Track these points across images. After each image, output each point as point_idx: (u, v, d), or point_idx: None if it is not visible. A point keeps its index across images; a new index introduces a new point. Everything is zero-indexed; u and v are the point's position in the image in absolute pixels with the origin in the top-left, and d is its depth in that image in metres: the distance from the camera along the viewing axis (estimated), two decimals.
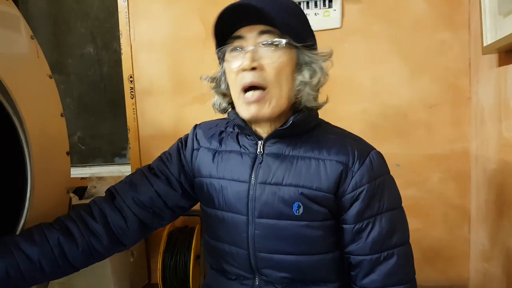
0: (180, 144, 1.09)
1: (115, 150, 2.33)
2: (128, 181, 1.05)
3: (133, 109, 1.96)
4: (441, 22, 1.70)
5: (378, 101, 1.77)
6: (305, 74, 0.89)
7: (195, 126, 1.11)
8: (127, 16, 1.93)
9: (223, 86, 0.96)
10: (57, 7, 2.29)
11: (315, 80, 0.89)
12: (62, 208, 1.16)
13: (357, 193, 0.89)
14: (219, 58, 0.95)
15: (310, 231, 0.90)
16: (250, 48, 0.85)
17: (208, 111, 1.85)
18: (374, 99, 1.77)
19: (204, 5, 1.89)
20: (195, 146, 1.05)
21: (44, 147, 1.05)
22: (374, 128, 1.77)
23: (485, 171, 1.54)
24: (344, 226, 0.92)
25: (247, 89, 0.86)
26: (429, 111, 1.73)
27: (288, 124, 0.89)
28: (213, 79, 0.98)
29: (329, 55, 0.91)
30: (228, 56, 0.90)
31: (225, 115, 1.03)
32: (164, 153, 1.10)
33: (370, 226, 0.89)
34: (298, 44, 0.87)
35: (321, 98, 0.94)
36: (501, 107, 1.39)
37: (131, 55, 1.95)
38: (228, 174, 0.96)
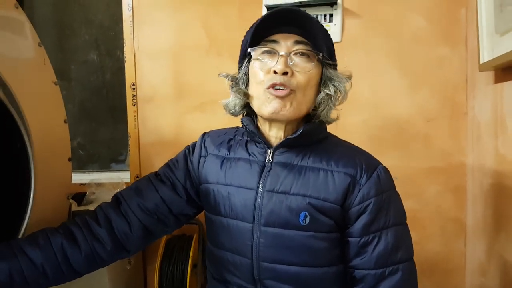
0: (187, 151, 1.10)
1: (113, 156, 2.34)
2: (134, 187, 1.06)
3: (135, 116, 1.98)
4: (439, 37, 1.73)
5: (377, 113, 1.79)
6: (331, 89, 0.94)
7: (204, 134, 1.12)
8: (132, 25, 1.95)
9: (242, 86, 0.98)
10: (62, 14, 2.31)
11: (339, 95, 0.95)
12: (62, 213, 1.17)
13: (364, 206, 0.90)
14: (243, 56, 0.98)
15: (315, 242, 0.91)
16: (285, 53, 0.90)
17: (208, 119, 1.91)
18: (373, 111, 1.79)
19: (207, 14, 1.91)
20: (203, 153, 1.07)
21: (47, 152, 1.06)
22: (373, 140, 1.78)
23: (482, 185, 1.55)
24: (350, 239, 0.92)
25: (274, 86, 0.89)
26: (427, 124, 1.75)
27: (299, 133, 0.92)
28: (233, 78, 1.00)
29: (349, 77, 0.97)
30: (259, 56, 0.94)
31: (233, 118, 1.05)
32: (171, 159, 1.11)
33: (376, 240, 0.90)
34: (328, 62, 0.94)
35: (333, 115, 0.99)
36: (497, 123, 1.41)
37: (134, 63, 1.96)
38: (235, 181, 0.97)
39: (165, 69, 1.96)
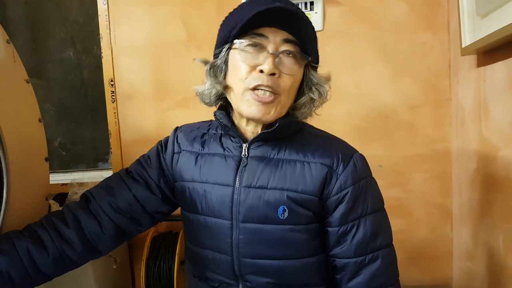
0: (160, 147, 1.07)
1: (97, 156, 2.29)
2: (104, 185, 1.02)
3: (115, 113, 1.94)
4: (421, 23, 1.72)
5: (361, 103, 1.77)
6: (315, 93, 0.92)
7: (176, 129, 1.09)
8: (107, 19, 1.91)
9: (220, 75, 0.92)
10: (36, 12, 2.24)
11: (321, 101, 0.93)
12: (40, 215, 1.11)
13: (342, 195, 0.89)
14: (224, 42, 0.90)
15: (294, 234, 0.90)
16: (275, 52, 0.85)
17: (191, 115, 1.87)
18: (356, 101, 1.77)
19: (186, 9, 1.87)
20: (176, 149, 1.03)
21: (22, 153, 1.03)
22: (357, 130, 1.77)
23: (467, 171, 1.56)
24: (329, 229, 0.92)
25: (258, 87, 0.85)
26: (411, 112, 1.74)
27: (275, 127, 0.88)
28: (211, 65, 0.93)
29: (328, 79, 0.95)
30: (244, 47, 0.87)
31: (207, 108, 1.01)
32: (143, 156, 1.07)
33: (354, 228, 0.90)
34: (315, 65, 0.93)
35: None
36: (480, 107, 1.41)
37: (112, 59, 1.92)
38: (211, 178, 0.95)
39: (144, 64, 1.92)
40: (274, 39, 0.86)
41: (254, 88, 0.85)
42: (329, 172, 0.90)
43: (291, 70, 0.87)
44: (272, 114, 0.87)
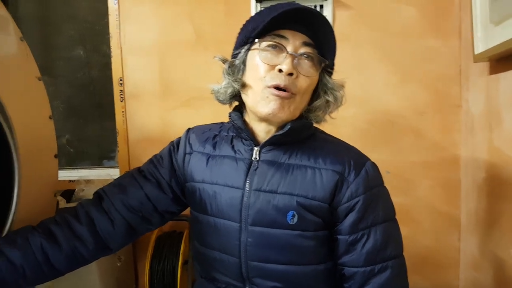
0: (172, 147, 1.07)
1: (103, 153, 2.30)
2: (117, 184, 1.03)
3: (123, 112, 1.94)
4: (431, 29, 1.71)
5: (367, 107, 1.77)
6: (330, 96, 0.94)
7: (188, 130, 1.09)
8: (118, 19, 1.91)
9: (238, 74, 0.94)
10: (47, 10, 2.26)
11: (336, 105, 0.95)
12: (48, 211, 1.14)
13: (353, 204, 0.89)
14: (244, 43, 0.93)
15: (302, 240, 0.89)
16: (294, 53, 0.87)
17: (195, 115, 1.88)
18: (363, 105, 1.77)
19: (194, 9, 1.88)
20: (188, 150, 1.04)
21: (32, 149, 1.03)
22: (363, 134, 1.77)
23: (475, 179, 1.55)
24: (339, 237, 0.91)
25: (277, 87, 0.86)
26: (419, 118, 1.73)
27: (287, 129, 0.89)
28: (230, 64, 0.95)
29: (342, 86, 0.96)
30: (265, 48, 0.89)
31: (220, 113, 1.02)
32: (155, 156, 1.08)
33: (365, 237, 0.89)
34: (330, 70, 0.95)
35: None
36: (491, 116, 1.40)
37: (121, 58, 1.93)
38: (221, 180, 0.95)
39: (151, 64, 1.93)
40: (294, 41, 0.88)
41: (273, 87, 0.86)
42: (340, 179, 0.89)
43: (308, 72, 0.89)
44: (285, 111, 0.88)
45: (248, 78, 0.92)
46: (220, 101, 0.99)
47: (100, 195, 1.02)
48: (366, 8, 1.75)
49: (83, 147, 2.32)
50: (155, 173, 1.04)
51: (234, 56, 0.95)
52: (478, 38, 1.37)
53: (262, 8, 1.61)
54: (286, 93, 0.86)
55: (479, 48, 1.37)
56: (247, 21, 0.95)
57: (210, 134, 1.04)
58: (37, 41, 2.25)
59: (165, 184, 1.03)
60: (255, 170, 0.93)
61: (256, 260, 0.91)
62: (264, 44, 0.89)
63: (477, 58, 1.39)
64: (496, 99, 1.36)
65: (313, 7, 1.72)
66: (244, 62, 0.93)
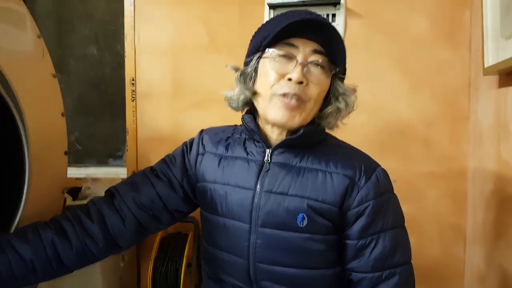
0: (185, 147, 1.09)
1: (109, 152, 2.32)
2: (130, 182, 1.04)
3: (133, 111, 1.96)
4: (442, 40, 1.71)
5: (377, 115, 1.77)
6: (342, 103, 0.93)
7: (202, 131, 1.11)
8: (133, 20, 1.93)
9: (250, 82, 0.95)
10: (63, 7, 2.29)
11: (348, 111, 0.95)
12: (56, 208, 1.15)
13: (363, 208, 0.89)
14: (255, 51, 0.94)
15: (312, 244, 0.90)
16: (303, 61, 0.88)
17: (205, 117, 1.89)
18: (373, 113, 1.77)
19: (207, 12, 1.89)
20: (201, 151, 1.05)
21: (44, 145, 1.04)
22: (372, 142, 1.77)
23: (482, 191, 1.54)
24: (347, 241, 0.91)
25: (286, 95, 0.87)
26: (427, 128, 1.73)
27: (299, 133, 0.90)
28: (242, 72, 0.96)
29: (354, 91, 0.97)
30: (275, 57, 0.90)
31: (229, 115, 1.03)
32: (168, 155, 1.10)
33: (373, 243, 0.89)
34: (342, 76, 0.96)
35: None
36: (500, 128, 1.40)
37: (135, 59, 1.95)
38: (233, 180, 0.96)
39: (164, 65, 1.94)
40: (304, 49, 0.88)
41: (282, 95, 0.87)
42: (350, 183, 0.90)
43: (319, 79, 0.89)
44: (296, 120, 0.89)
45: (258, 86, 0.93)
46: (233, 108, 1.01)
47: (112, 193, 1.03)
48: (378, 17, 1.76)
49: (91, 145, 2.34)
50: (168, 172, 1.05)
51: (246, 63, 0.97)
52: (488, 52, 1.38)
53: (275, 15, 1.62)
54: (295, 102, 0.87)
55: (489, 61, 1.37)
56: (259, 29, 0.96)
57: (223, 136, 1.05)
58: (52, 39, 2.28)
59: (177, 183, 1.04)
60: (267, 171, 0.93)
61: (265, 262, 0.91)
62: (275, 53, 0.90)
63: (487, 71, 1.40)
64: (505, 112, 1.36)
65: (325, 16, 1.76)
66: (255, 70, 0.94)
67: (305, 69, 0.88)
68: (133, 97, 1.95)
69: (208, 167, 1.01)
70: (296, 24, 0.85)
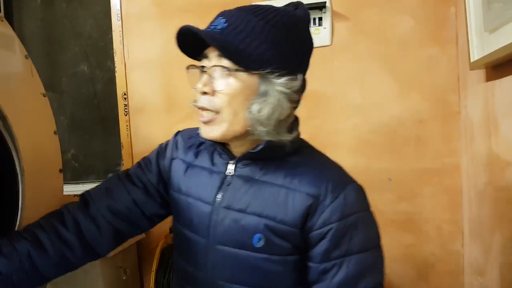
0: (160, 150, 1.05)
1: (108, 167, 2.32)
2: (104, 188, 1.01)
3: (127, 126, 1.97)
4: (428, 38, 1.73)
5: (368, 117, 1.78)
6: (254, 108, 0.80)
7: (177, 133, 1.07)
8: (121, 35, 1.95)
9: None
10: (51, 27, 2.31)
11: (264, 115, 0.79)
12: None
13: (325, 231, 0.81)
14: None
15: (269, 265, 0.84)
16: (206, 70, 0.83)
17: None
18: (364, 115, 1.78)
19: (196, 24, 1.87)
20: (174, 155, 1.01)
21: (37, 164, 1.05)
22: (365, 144, 1.77)
23: (476, 186, 1.55)
24: (310, 264, 0.85)
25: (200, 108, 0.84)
26: (419, 126, 1.75)
27: (258, 149, 0.84)
28: None
29: (298, 86, 0.83)
30: (188, 71, 0.88)
31: None
32: (143, 159, 1.07)
33: (336, 268, 0.82)
34: (255, 72, 0.79)
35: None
36: (489, 122, 1.41)
37: (125, 73, 1.96)
38: (195, 192, 0.92)
39: (155, 78, 1.96)
40: (212, 56, 0.83)
41: (199, 109, 0.85)
42: (314, 203, 0.82)
43: (221, 84, 0.80)
44: (215, 133, 0.83)
45: None
46: None
47: (86, 200, 0.99)
48: (363, 19, 1.78)
49: (89, 162, 2.34)
50: (143, 177, 1.01)
51: None
52: (473, 46, 1.39)
53: None
54: (205, 115, 0.83)
55: (475, 56, 1.38)
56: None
57: (196, 141, 1.00)
58: (42, 59, 2.30)
59: (153, 189, 1.00)
60: (228, 185, 0.88)
61: (224, 280, 0.87)
62: (190, 67, 0.87)
63: (473, 66, 1.41)
64: (493, 106, 1.37)
65: (311, 20, 1.77)
66: None
67: (210, 78, 0.81)
68: (126, 112, 1.97)
69: (176, 175, 0.98)
70: (181, 37, 0.85)
